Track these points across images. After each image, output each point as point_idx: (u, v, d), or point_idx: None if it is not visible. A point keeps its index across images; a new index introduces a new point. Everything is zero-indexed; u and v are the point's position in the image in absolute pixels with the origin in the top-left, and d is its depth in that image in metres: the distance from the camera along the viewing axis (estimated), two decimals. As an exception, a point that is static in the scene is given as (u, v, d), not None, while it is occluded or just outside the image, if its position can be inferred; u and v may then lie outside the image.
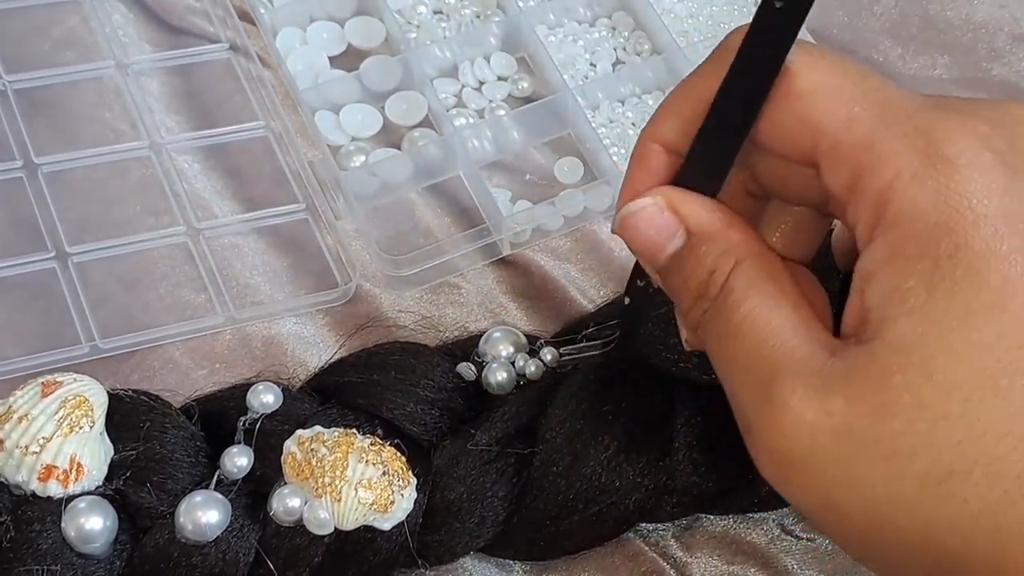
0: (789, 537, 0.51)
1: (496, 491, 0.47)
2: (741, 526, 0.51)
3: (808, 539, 0.51)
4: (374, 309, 0.56)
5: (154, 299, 0.56)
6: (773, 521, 0.52)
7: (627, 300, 0.47)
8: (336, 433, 0.46)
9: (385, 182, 0.59)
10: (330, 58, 0.64)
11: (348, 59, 0.64)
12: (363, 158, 0.60)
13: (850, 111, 0.36)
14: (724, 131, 0.39)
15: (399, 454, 0.46)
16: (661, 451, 0.48)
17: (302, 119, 0.61)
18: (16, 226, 0.56)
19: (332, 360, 0.51)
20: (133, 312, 0.55)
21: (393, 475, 0.45)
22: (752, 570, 0.50)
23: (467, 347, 0.52)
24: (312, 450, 0.45)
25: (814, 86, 0.37)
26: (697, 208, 0.40)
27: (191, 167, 0.60)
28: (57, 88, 0.61)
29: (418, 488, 0.46)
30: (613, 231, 0.41)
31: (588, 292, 0.57)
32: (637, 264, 0.44)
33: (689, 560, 0.50)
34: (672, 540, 0.51)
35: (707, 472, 0.48)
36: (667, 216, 0.40)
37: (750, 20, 0.37)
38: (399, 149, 0.61)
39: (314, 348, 0.55)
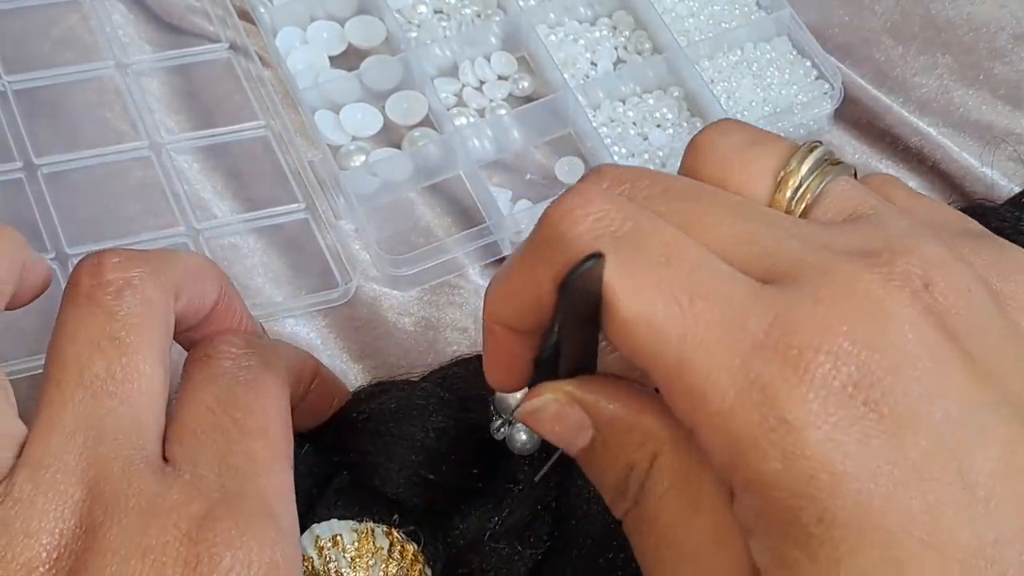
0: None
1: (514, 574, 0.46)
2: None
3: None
4: (374, 310, 0.56)
5: (154, 300, 0.55)
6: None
7: None
8: (354, 535, 0.45)
9: (385, 182, 0.59)
10: (330, 57, 0.64)
11: (348, 58, 0.64)
12: (363, 158, 0.60)
13: (678, 352, 0.31)
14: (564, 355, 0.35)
15: (417, 550, 0.45)
16: None
17: (302, 119, 0.61)
18: (16, 227, 0.56)
19: (344, 408, 0.49)
20: (133, 313, 0.55)
21: None
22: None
23: (471, 377, 0.49)
24: (331, 560, 0.44)
25: (635, 316, 0.32)
26: (603, 397, 0.35)
27: (191, 167, 0.60)
28: (57, 88, 0.61)
29: None
30: (517, 418, 0.37)
31: (589, 292, 0.57)
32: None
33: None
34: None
35: None
36: (572, 411, 0.35)
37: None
38: (399, 148, 0.61)
39: (313, 349, 0.55)
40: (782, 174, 0.36)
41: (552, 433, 0.36)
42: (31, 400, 0.51)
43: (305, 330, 0.56)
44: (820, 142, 0.37)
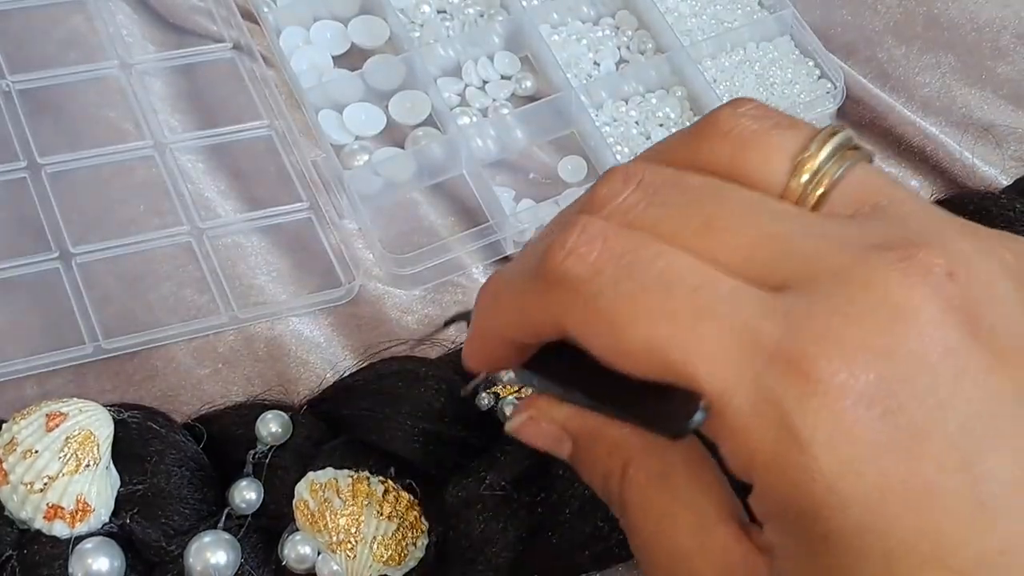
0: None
1: (509, 531, 0.46)
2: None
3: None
4: (377, 308, 0.56)
5: (157, 299, 0.56)
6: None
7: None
8: (349, 479, 0.45)
9: (389, 181, 0.59)
10: (334, 57, 0.64)
11: (352, 58, 0.64)
12: (366, 157, 0.60)
13: (691, 374, 0.31)
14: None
15: (413, 499, 0.45)
16: None
17: (306, 118, 0.61)
18: (20, 226, 0.56)
19: (342, 376, 0.50)
20: (136, 312, 0.55)
21: (408, 527, 0.45)
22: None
23: None
24: (326, 500, 0.44)
25: (644, 344, 0.32)
26: (572, 412, 0.37)
27: (195, 167, 0.60)
28: (61, 88, 0.61)
29: (430, 532, 0.46)
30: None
31: (592, 291, 0.57)
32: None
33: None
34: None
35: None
36: (545, 427, 0.37)
37: None
38: (402, 148, 0.61)
39: (317, 348, 0.55)
40: (800, 158, 0.35)
41: (538, 446, 0.38)
42: (34, 399, 0.52)
43: (309, 329, 0.56)
44: (842, 126, 0.36)
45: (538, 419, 0.37)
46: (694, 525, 0.34)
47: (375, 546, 0.44)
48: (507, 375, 0.47)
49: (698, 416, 0.31)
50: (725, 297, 0.32)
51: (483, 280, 0.57)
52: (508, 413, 0.47)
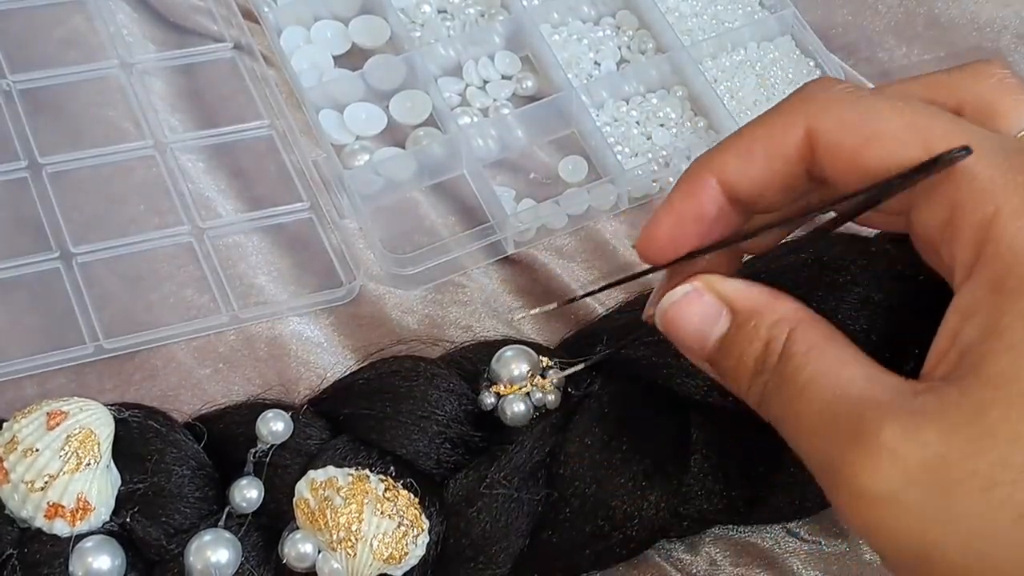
0: (794, 539, 0.51)
1: (510, 529, 0.46)
2: (747, 528, 0.51)
3: (813, 541, 0.51)
4: (378, 308, 0.56)
5: (158, 299, 0.56)
6: (778, 524, 0.52)
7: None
8: (350, 478, 0.45)
9: (389, 181, 0.59)
10: (334, 57, 0.64)
11: (352, 58, 0.64)
12: (367, 157, 0.60)
13: (947, 147, 0.36)
14: None
15: (413, 497, 0.45)
16: (679, 476, 0.47)
17: (306, 118, 0.61)
18: (20, 226, 0.56)
19: (343, 376, 0.50)
20: (137, 312, 0.55)
21: (408, 525, 0.45)
22: (757, 571, 0.50)
23: (475, 358, 0.50)
24: (326, 498, 0.45)
25: (903, 129, 0.36)
26: (738, 286, 0.39)
27: (195, 166, 0.60)
28: (61, 88, 0.61)
29: (430, 531, 0.46)
30: (656, 324, 0.41)
31: (592, 291, 0.57)
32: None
33: (694, 562, 0.50)
34: (677, 542, 0.51)
35: (723, 494, 0.48)
36: (708, 299, 0.39)
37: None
38: (403, 148, 0.61)
39: (318, 348, 0.55)
40: None
41: (690, 324, 0.40)
42: (34, 398, 0.52)
43: (309, 329, 0.56)
44: None
45: (703, 291, 0.39)
46: (862, 367, 0.36)
47: (375, 544, 0.44)
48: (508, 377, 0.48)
49: (962, 152, 0.35)
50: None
51: (484, 280, 0.58)
52: (513, 411, 0.47)
